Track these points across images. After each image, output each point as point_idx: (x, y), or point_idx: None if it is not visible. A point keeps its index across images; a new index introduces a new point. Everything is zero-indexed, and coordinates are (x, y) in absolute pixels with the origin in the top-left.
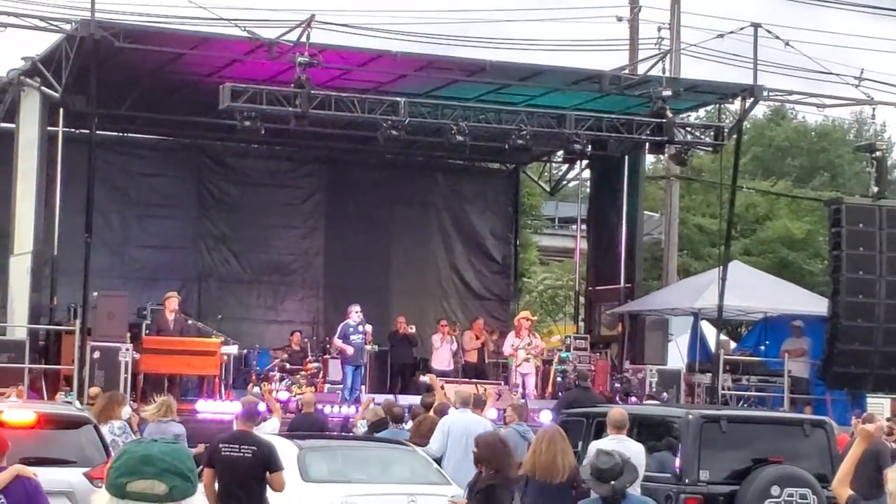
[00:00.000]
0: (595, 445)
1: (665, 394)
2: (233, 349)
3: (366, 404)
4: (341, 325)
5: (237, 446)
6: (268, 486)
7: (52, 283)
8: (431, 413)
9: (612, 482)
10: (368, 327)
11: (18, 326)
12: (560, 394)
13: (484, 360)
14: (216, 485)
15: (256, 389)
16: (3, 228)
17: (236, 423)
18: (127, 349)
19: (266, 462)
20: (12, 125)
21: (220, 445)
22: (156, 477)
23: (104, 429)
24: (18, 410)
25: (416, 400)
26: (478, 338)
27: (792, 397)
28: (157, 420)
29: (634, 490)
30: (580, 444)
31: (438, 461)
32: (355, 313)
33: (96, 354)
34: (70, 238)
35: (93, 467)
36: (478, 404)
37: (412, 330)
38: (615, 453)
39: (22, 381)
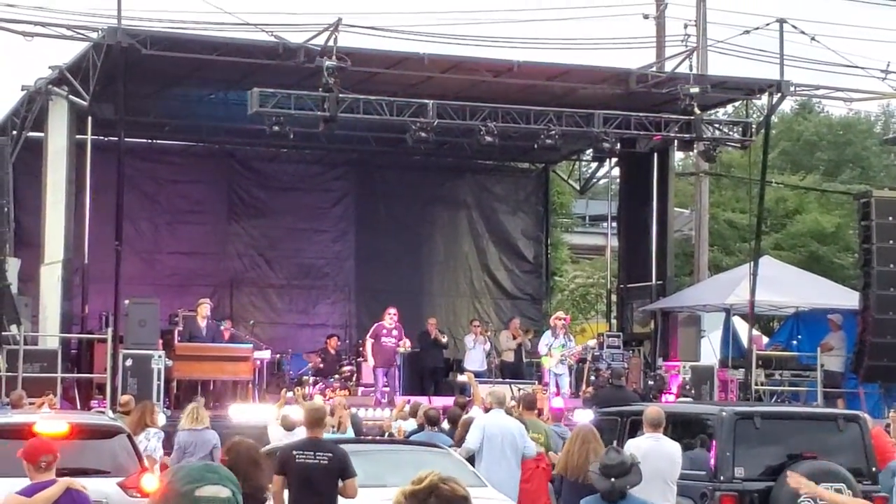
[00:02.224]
0: (631, 444)
1: (693, 390)
2: (265, 354)
3: (400, 406)
4: (375, 325)
5: (312, 453)
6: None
7: (84, 291)
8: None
9: (613, 479)
10: (406, 342)
11: (50, 336)
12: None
13: (521, 360)
14: (285, 492)
15: (290, 394)
16: (34, 238)
17: (306, 430)
18: (159, 356)
19: (341, 468)
20: (41, 134)
21: (294, 452)
22: (220, 483)
23: (140, 437)
24: (52, 421)
25: (449, 401)
26: (515, 337)
27: (825, 391)
28: (190, 428)
29: (670, 486)
30: (615, 443)
31: (471, 459)
32: (389, 316)
33: (129, 362)
34: (100, 246)
35: (127, 477)
36: (530, 406)
37: (444, 338)
38: (627, 454)
39: (54, 391)
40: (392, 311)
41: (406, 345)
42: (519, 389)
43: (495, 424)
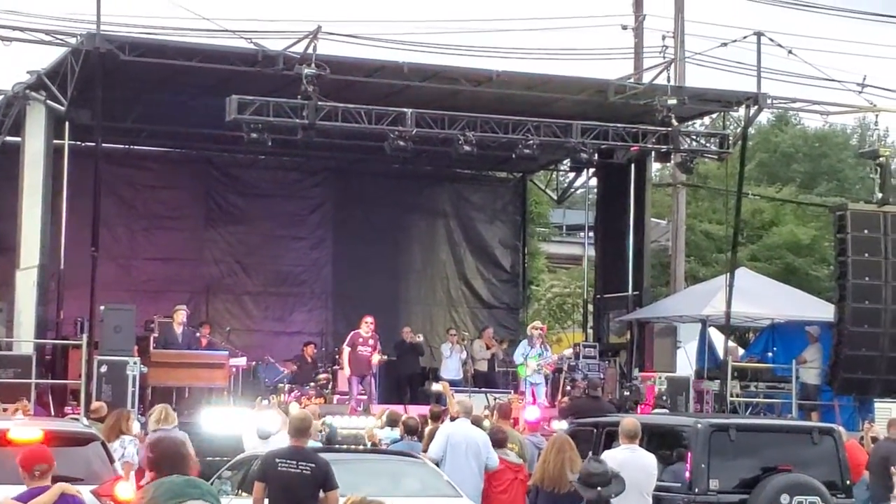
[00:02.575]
0: (607, 455)
1: (669, 401)
2: (241, 361)
3: (379, 415)
4: (352, 333)
5: (294, 462)
6: None
7: (59, 297)
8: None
9: (599, 488)
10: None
11: (25, 341)
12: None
13: (494, 370)
14: (265, 500)
15: (265, 402)
16: (10, 242)
17: (290, 438)
18: (134, 363)
19: (323, 479)
20: (18, 139)
21: (277, 460)
22: (201, 497)
23: (115, 444)
24: (25, 428)
25: (425, 409)
26: (488, 347)
27: (800, 404)
28: (159, 427)
29: (645, 498)
30: (591, 453)
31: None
32: (366, 325)
33: (104, 368)
34: (77, 251)
35: (101, 484)
36: (505, 415)
37: (419, 339)
38: (607, 463)
39: (28, 396)
40: (368, 319)
41: (378, 359)
42: (494, 399)
43: (459, 433)
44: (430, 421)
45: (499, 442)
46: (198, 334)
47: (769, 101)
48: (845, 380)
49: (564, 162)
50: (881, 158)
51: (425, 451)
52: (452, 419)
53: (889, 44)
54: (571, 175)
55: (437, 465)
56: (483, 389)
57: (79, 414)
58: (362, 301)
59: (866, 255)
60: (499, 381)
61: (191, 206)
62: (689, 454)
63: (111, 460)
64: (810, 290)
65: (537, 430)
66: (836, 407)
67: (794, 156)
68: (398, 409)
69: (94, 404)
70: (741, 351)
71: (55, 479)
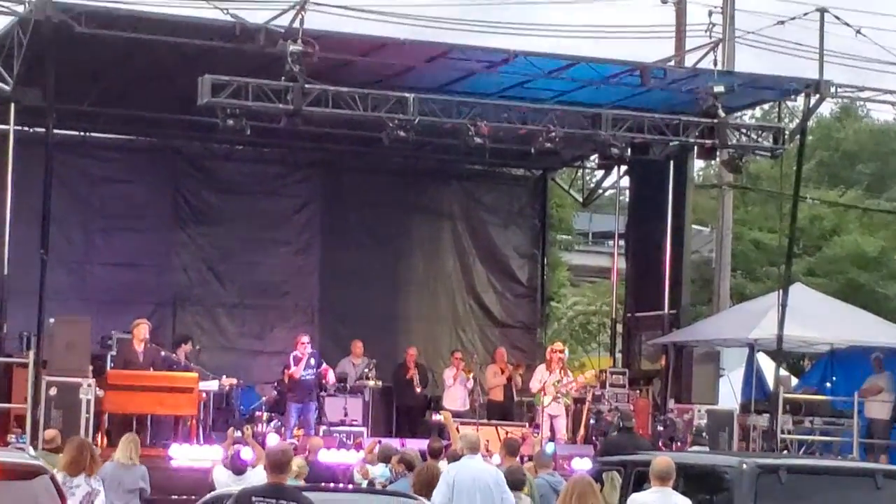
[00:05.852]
0: (635, 499)
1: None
2: (213, 385)
3: (370, 448)
4: (291, 355)
5: (274, 500)
6: None
7: (2, 307)
8: (440, 460)
9: None
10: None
11: None
12: (595, 438)
13: (512, 399)
14: None
15: (238, 434)
16: None
17: (268, 474)
18: (89, 385)
19: None
20: None
21: (254, 499)
22: None
23: (77, 480)
24: None
25: (424, 444)
26: (502, 371)
27: (867, 443)
28: (118, 461)
29: None
30: (620, 498)
31: None
32: (301, 345)
33: (53, 391)
34: (23, 255)
35: None
36: (512, 451)
37: (417, 376)
38: None
39: None
40: (304, 338)
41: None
42: (506, 433)
43: (466, 472)
44: (429, 457)
45: (516, 484)
46: (176, 353)
47: (833, 89)
48: None
49: (592, 158)
50: None
51: (419, 492)
52: (456, 458)
53: None
54: (600, 173)
55: None
56: (493, 422)
57: (25, 444)
58: (353, 317)
59: None
60: (515, 413)
61: (156, 204)
62: (733, 499)
63: (62, 497)
64: (877, 311)
65: (550, 466)
66: None
67: (859, 155)
68: (393, 442)
69: (48, 433)
70: (795, 381)
71: None
